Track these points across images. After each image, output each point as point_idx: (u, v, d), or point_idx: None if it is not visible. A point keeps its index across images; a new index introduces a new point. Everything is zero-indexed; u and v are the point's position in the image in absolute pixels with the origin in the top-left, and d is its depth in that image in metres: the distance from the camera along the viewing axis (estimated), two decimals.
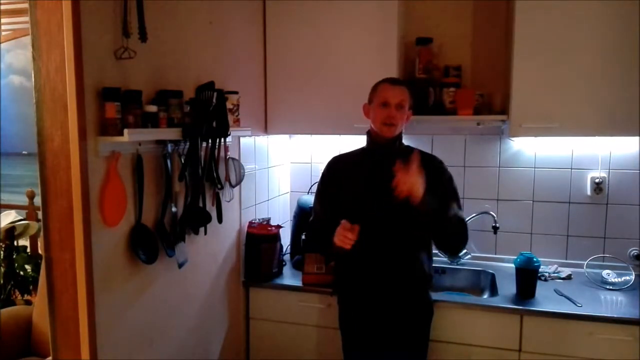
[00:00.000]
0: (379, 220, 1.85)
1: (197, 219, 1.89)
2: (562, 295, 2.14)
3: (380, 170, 1.86)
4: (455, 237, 1.88)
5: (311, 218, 2.07)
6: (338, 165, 2.02)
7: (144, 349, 1.71)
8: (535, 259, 2.11)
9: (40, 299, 2.49)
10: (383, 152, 1.89)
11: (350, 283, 1.97)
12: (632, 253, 2.39)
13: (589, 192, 2.44)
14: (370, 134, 1.92)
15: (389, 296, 1.89)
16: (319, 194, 2.04)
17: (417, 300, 1.93)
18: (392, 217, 1.85)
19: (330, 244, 1.82)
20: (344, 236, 1.73)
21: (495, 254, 2.60)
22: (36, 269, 3.04)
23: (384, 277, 1.88)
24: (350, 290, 1.99)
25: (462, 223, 1.87)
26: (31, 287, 3.07)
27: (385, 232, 1.86)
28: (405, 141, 1.97)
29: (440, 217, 1.78)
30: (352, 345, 2.00)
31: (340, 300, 2.04)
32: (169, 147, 1.71)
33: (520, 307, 2.03)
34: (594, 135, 2.27)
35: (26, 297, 3.07)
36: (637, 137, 2.26)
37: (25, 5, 1.40)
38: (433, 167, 1.88)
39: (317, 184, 2.07)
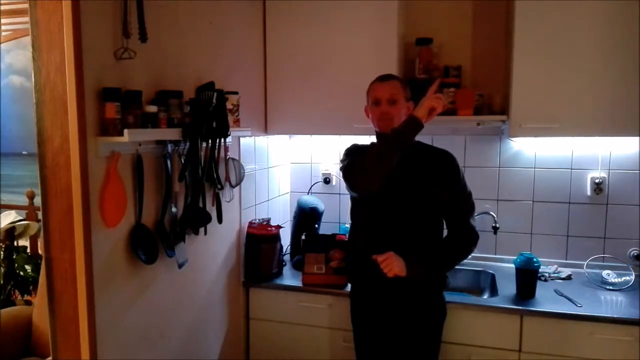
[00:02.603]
0: (394, 217, 1.84)
1: (197, 219, 1.89)
2: (562, 295, 2.14)
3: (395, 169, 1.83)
4: (459, 259, 1.91)
5: (350, 160, 1.88)
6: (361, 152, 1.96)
7: (144, 349, 1.71)
8: (535, 259, 2.11)
9: (40, 299, 2.49)
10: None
11: (365, 278, 1.93)
12: (632, 253, 2.39)
13: (589, 192, 2.44)
14: (377, 132, 1.91)
15: (403, 295, 1.86)
16: (347, 155, 1.94)
17: (431, 300, 1.91)
18: (407, 214, 1.83)
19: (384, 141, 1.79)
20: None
21: (495, 254, 2.60)
22: (36, 269, 3.04)
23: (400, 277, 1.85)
24: (364, 286, 1.96)
25: (463, 243, 1.89)
26: (31, 287, 3.07)
27: (400, 230, 1.84)
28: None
29: (437, 266, 1.86)
30: (363, 340, 1.97)
31: (353, 293, 2.01)
32: (169, 147, 1.71)
33: (520, 307, 2.03)
34: (594, 136, 2.27)
35: (26, 297, 3.07)
36: (637, 137, 2.25)
37: (25, 5, 1.40)
38: (443, 164, 1.89)
39: (352, 153, 1.97)
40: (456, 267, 1.98)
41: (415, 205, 1.84)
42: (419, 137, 1.85)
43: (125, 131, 1.44)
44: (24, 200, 3.61)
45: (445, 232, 1.95)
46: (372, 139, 1.95)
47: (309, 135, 2.82)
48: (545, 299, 2.09)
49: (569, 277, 2.35)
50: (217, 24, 2.05)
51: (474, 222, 1.90)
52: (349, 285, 2.08)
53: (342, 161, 1.94)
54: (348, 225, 2.09)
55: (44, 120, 1.41)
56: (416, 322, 1.88)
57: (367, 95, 1.91)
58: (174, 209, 1.78)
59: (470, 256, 1.95)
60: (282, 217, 2.83)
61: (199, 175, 1.84)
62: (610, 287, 2.22)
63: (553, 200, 2.50)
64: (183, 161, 1.77)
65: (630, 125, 2.07)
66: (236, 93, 2.06)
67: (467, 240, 1.89)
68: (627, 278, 2.24)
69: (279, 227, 2.43)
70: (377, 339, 1.92)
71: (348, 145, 1.99)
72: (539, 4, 2.11)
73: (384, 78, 1.87)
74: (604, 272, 2.28)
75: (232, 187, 2.16)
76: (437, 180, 1.85)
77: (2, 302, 2.87)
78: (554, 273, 2.38)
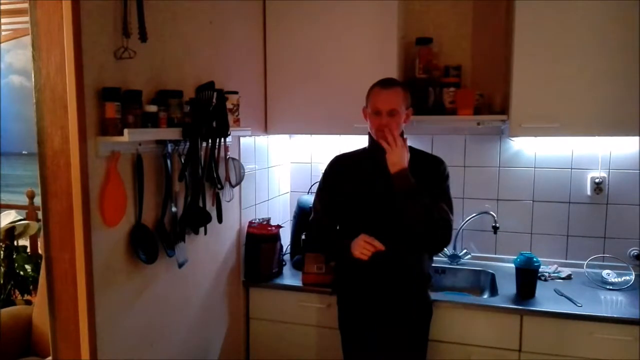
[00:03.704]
0: (379, 220, 1.85)
1: (197, 219, 1.89)
2: (562, 295, 2.14)
3: (382, 171, 1.86)
4: (431, 229, 1.81)
5: (311, 217, 2.06)
6: (341, 164, 2.01)
7: (144, 349, 1.71)
8: (535, 259, 2.11)
9: (40, 299, 2.49)
10: (385, 153, 1.88)
11: (350, 283, 1.97)
12: (632, 253, 2.39)
13: (589, 192, 2.44)
14: (371, 136, 1.91)
15: (388, 296, 1.89)
16: (320, 192, 2.04)
17: (416, 300, 1.93)
18: (392, 218, 1.84)
19: (335, 246, 1.88)
20: (365, 248, 1.76)
21: (495, 254, 2.60)
22: (36, 269, 3.04)
23: (384, 277, 1.88)
24: (349, 290, 1.99)
25: (441, 220, 1.80)
26: (31, 287, 3.07)
27: (385, 233, 1.85)
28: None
29: (415, 201, 1.77)
30: (351, 345, 2.00)
31: (340, 299, 2.04)
32: (169, 147, 1.71)
33: (520, 307, 2.03)
34: (594, 135, 2.27)
35: (26, 297, 3.07)
36: (637, 137, 2.26)
37: (25, 5, 1.40)
38: (430, 165, 1.90)
39: (318, 182, 2.07)
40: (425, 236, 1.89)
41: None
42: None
43: (125, 131, 1.44)
44: (24, 200, 3.62)
45: None
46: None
47: (309, 135, 2.82)
48: (545, 299, 2.09)
49: (569, 277, 2.35)
50: (217, 24, 2.05)
51: (452, 218, 1.86)
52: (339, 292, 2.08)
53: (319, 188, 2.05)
54: None
55: (44, 120, 1.41)
56: (402, 322, 1.89)
57: (367, 98, 1.89)
58: (174, 209, 1.78)
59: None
60: (282, 217, 2.83)
61: (199, 175, 1.84)
62: (610, 287, 2.22)
63: (553, 200, 2.50)
64: (183, 161, 1.77)
65: (630, 125, 2.07)
66: (236, 93, 2.06)
67: (444, 221, 1.82)
68: (627, 278, 2.24)
69: (279, 227, 2.43)
70: (365, 340, 1.94)
71: (331, 159, 2.04)
72: (539, 4, 2.11)
73: (386, 84, 1.84)
74: (604, 272, 2.28)
75: (232, 186, 2.16)
76: (422, 184, 1.83)
77: (2, 302, 2.87)
78: (554, 273, 2.38)
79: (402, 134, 1.91)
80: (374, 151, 1.91)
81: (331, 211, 1.96)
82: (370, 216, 1.86)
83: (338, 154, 2.07)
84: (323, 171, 2.06)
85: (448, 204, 1.87)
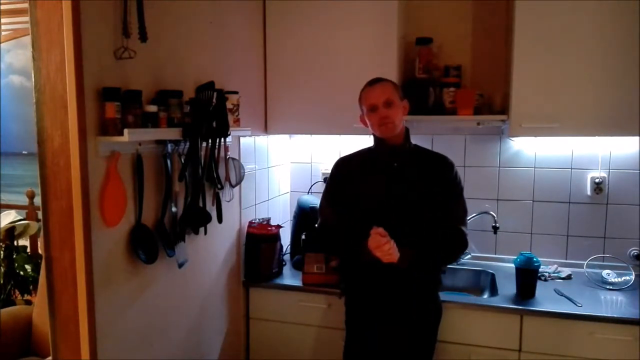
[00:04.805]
0: (387, 221, 1.83)
1: (197, 219, 1.89)
2: (562, 295, 2.14)
3: (388, 171, 1.85)
4: (448, 254, 1.91)
5: (319, 222, 2.01)
6: (345, 166, 1.99)
7: (144, 349, 1.71)
8: (535, 259, 2.11)
9: (40, 299, 2.49)
10: (392, 153, 1.88)
11: (360, 285, 1.94)
12: (632, 253, 2.39)
13: (589, 192, 2.44)
14: (376, 137, 1.91)
15: (397, 297, 1.87)
16: (327, 195, 2.00)
17: (426, 301, 1.91)
18: (402, 219, 1.83)
19: (352, 249, 1.83)
20: (389, 253, 1.71)
21: (495, 254, 2.60)
22: (36, 269, 3.04)
23: (393, 277, 1.85)
24: (359, 292, 1.96)
25: (454, 239, 1.85)
26: (31, 287, 3.07)
27: (393, 233, 1.83)
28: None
29: (426, 258, 1.82)
30: (357, 344, 1.97)
31: (348, 299, 2.01)
32: (169, 147, 1.71)
33: (520, 307, 2.03)
34: (594, 135, 2.27)
35: (26, 297, 3.07)
36: (637, 137, 2.26)
37: (25, 5, 1.40)
38: (441, 167, 1.90)
39: (326, 184, 2.02)
40: (444, 265, 1.98)
41: (410, 208, 1.84)
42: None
43: (125, 131, 1.44)
44: (24, 200, 3.61)
45: None
46: (371, 140, 1.95)
47: (309, 135, 2.82)
48: (545, 299, 2.09)
49: (569, 277, 2.35)
50: (217, 24, 2.05)
51: (466, 230, 1.89)
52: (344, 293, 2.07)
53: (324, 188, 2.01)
54: None
55: (44, 120, 1.41)
56: (412, 324, 1.88)
57: (360, 103, 1.89)
58: (174, 209, 1.78)
59: (458, 261, 1.93)
60: (282, 217, 2.83)
61: (199, 175, 1.84)
62: (610, 287, 2.22)
63: (553, 200, 2.50)
64: (183, 161, 1.77)
65: (630, 125, 2.07)
66: (236, 93, 2.06)
67: (459, 240, 1.87)
68: (627, 278, 2.24)
69: (279, 226, 2.43)
70: (374, 340, 1.92)
71: (336, 160, 2.02)
72: (539, 4, 2.11)
73: (373, 82, 1.86)
74: (604, 272, 2.28)
75: (232, 186, 2.16)
76: (432, 184, 1.85)
77: (2, 301, 2.87)
78: (554, 273, 2.38)
79: (407, 130, 1.91)
80: (379, 151, 1.91)
81: (342, 214, 1.93)
82: (378, 217, 1.85)
83: (342, 156, 2.04)
84: (328, 175, 2.02)
85: (463, 209, 1.90)
